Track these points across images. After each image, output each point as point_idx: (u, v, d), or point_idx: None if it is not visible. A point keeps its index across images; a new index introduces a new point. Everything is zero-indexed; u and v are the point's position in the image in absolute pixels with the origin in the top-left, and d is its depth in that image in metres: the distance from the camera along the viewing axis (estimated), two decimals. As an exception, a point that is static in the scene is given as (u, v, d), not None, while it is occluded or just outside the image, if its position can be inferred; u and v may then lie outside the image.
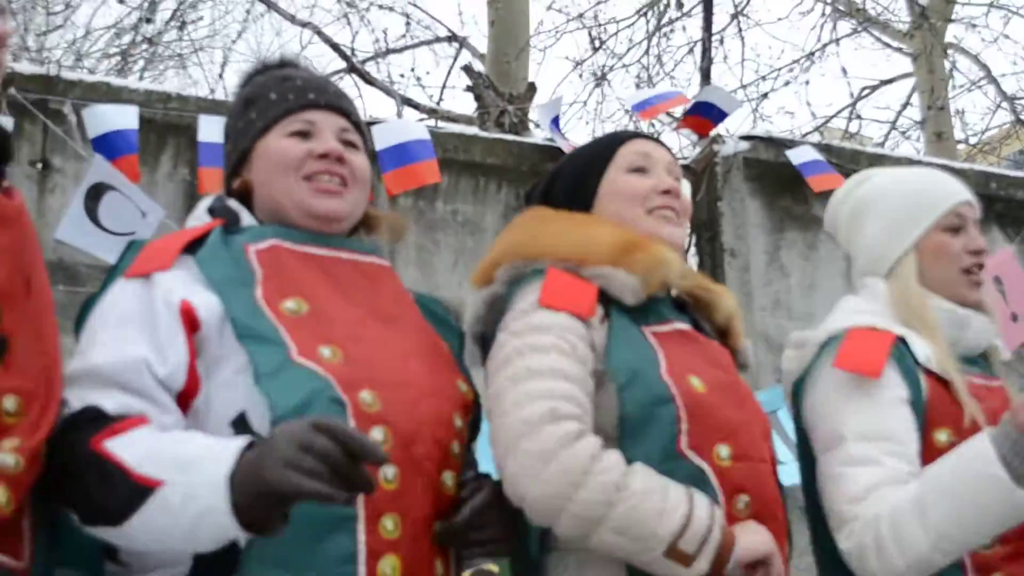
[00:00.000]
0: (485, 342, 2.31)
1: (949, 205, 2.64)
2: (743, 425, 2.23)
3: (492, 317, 2.29)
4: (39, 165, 4.31)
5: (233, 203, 2.25)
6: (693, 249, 5.12)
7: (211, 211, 2.24)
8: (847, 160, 5.23)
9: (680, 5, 8.97)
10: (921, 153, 10.87)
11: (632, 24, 10.29)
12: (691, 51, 7.32)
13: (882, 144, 12.29)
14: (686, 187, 5.16)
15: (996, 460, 2.07)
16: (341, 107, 2.32)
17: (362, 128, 2.35)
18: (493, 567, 2.66)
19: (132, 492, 1.80)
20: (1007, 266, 5.43)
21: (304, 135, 2.23)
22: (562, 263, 2.25)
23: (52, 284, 3.77)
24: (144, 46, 11.42)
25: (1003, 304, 5.31)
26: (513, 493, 2.07)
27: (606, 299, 2.25)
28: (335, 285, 2.16)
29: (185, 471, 1.78)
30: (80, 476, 1.87)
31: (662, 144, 2.55)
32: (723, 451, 2.17)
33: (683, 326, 2.34)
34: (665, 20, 9.75)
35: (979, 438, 2.17)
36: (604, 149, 2.49)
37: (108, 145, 4.14)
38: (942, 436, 2.39)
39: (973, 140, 12.16)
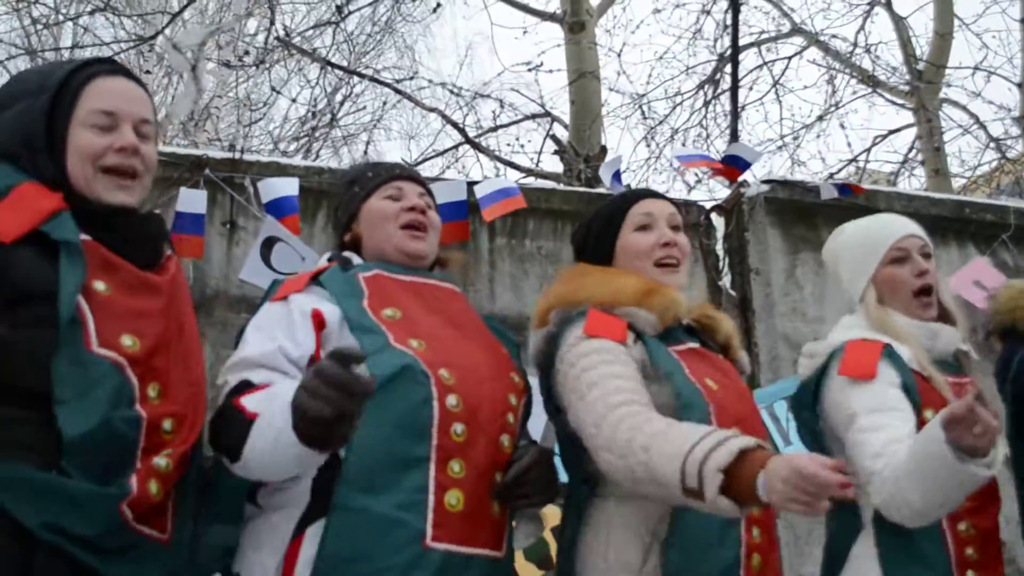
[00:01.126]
0: (545, 369, 2.35)
1: (891, 243, 2.65)
2: (743, 415, 2.29)
3: (549, 350, 2.34)
4: (227, 225, 4.49)
5: (347, 252, 2.42)
6: (727, 270, 5.15)
7: (330, 259, 2.41)
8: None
9: (716, 83, 8.98)
10: (924, 186, 10.69)
11: (687, 99, 10.40)
12: (733, 116, 7.27)
13: (895, 177, 12.11)
14: (719, 223, 5.26)
15: (944, 441, 2.09)
16: (417, 179, 2.53)
17: (433, 196, 2.53)
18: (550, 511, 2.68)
19: (243, 425, 1.94)
20: (984, 271, 5.34)
21: (395, 198, 2.41)
22: (599, 306, 2.30)
23: (237, 313, 3.98)
24: (321, 131, 11.71)
25: (987, 299, 5.23)
26: (601, 465, 2.12)
27: (635, 330, 2.30)
28: (421, 301, 2.30)
29: (270, 402, 1.93)
30: (224, 425, 2.01)
31: (664, 198, 2.60)
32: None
33: (694, 345, 2.41)
34: (713, 95, 9.79)
35: (934, 421, 2.16)
36: (617, 211, 2.53)
37: (277, 208, 4.25)
38: (929, 414, 2.37)
39: (968, 174, 11.92)
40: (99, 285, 1.87)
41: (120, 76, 2.07)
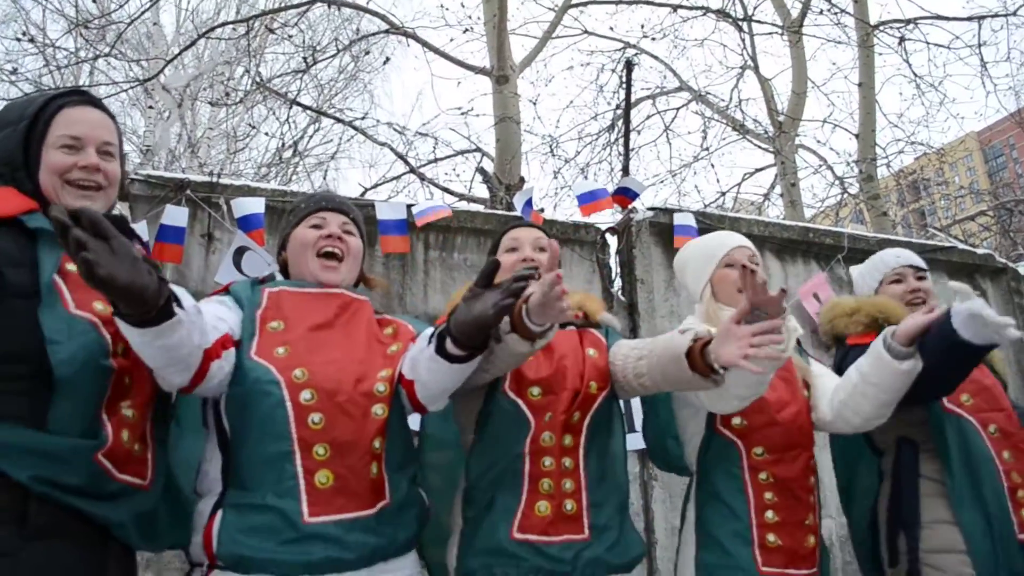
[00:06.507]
0: None
1: (723, 252, 2.74)
2: (550, 372, 2.38)
3: None
4: (205, 236, 4.37)
5: (276, 272, 2.38)
6: (618, 279, 5.18)
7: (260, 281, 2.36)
8: (715, 221, 5.29)
9: (612, 128, 9.06)
10: (782, 214, 10.89)
11: (593, 140, 10.48)
12: (625, 155, 7.32)
13: (760, 207, 12.32)
14: (612, 241, 5.29)
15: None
16: (342, 209, 2.41)
17: (359, 223, 2.44)
18: None
19: None
20: (820, 286, 5.45)
21: (318, 227, 2.33)
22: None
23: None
24: (292, 161, 11.63)
25: (819, 309, 5.32)
26: None
27: None
28: (312, 308, 2.23)
29: None
30: None
31: (531, 226, 2.66)
32: (534, 390, 2.34)
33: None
34: (613, 138, 9.87)
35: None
36: (497, 239, 2.64)
37: (246, 223, 4.22)
38: None
39: (818, 205, 12.17)
40: (71, 266, 1.86)
41: (87, 106, 2.07)
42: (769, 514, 2.44)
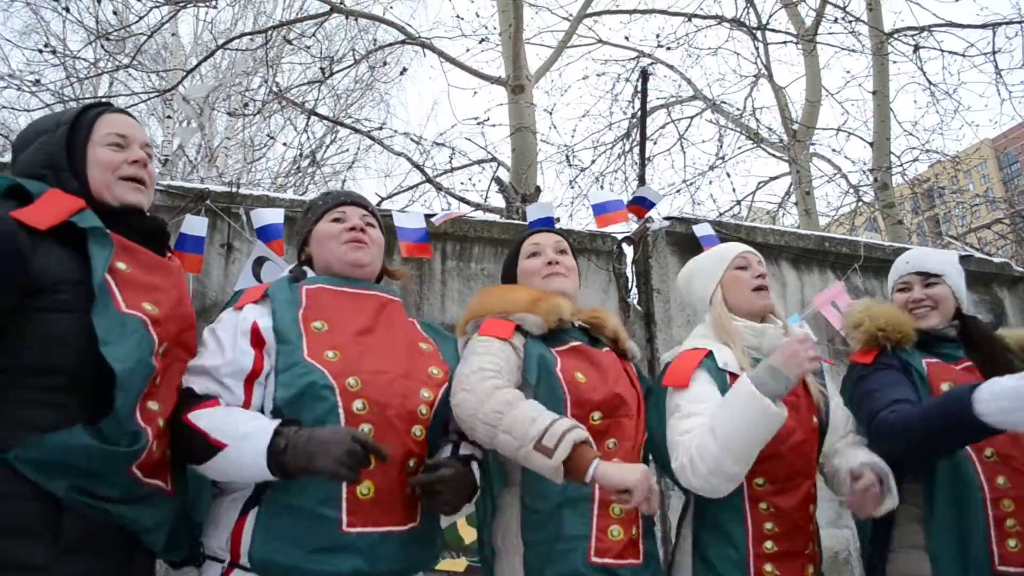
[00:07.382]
0: None
1: (734, 255, 2.75)
2: (610, 396, 2.33)
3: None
4: (225, 247, 4.40)
5: (305, 268, 2.38)
6: (635, 289, 5.17)
7: (291, 271, 2.38)
8: (731, 230, 5.27)
9: (628, 136, 9.03)
10: (797, 223, 10.84)
11: (607, 149, 10.46)
12: (641, 165, 7.29)
13: (774, 215, 12.27)
14: (629, 251, 5.28)
15: (750, 383, 2.15)
16: (361, 203, 2.46)
17: (377, 216, 2.49)
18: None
19: (207, 448, 1.91)
20: (839, 295, 5.41)
21: (339, 220, 2.37)
22: (498, 314, 2.40)
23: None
24: (309, 171, 11.67)
25: (841, 317, 5.28)
26: (454, 410, 2.19)
27: (524, 331, 2.39)
28: (354, 310, 2.24)
29: (240, 442, 1.89)
30: (178, 435, 1.95)
31: (551, 231, 2.72)
32: (595, 415, 2.28)
33: (576, 343, 2.45)
34: (628, 147, 9.84)
35: (743, 376, 2.26)
36: (517, 245, 2.69)
37: (266, 233, 4.23)
38: None
39: (832, 213, 12.13)
40: (121, 265, 1.92)
41: (123, 114, 2.18)
42: (768, 544, 2.39)
